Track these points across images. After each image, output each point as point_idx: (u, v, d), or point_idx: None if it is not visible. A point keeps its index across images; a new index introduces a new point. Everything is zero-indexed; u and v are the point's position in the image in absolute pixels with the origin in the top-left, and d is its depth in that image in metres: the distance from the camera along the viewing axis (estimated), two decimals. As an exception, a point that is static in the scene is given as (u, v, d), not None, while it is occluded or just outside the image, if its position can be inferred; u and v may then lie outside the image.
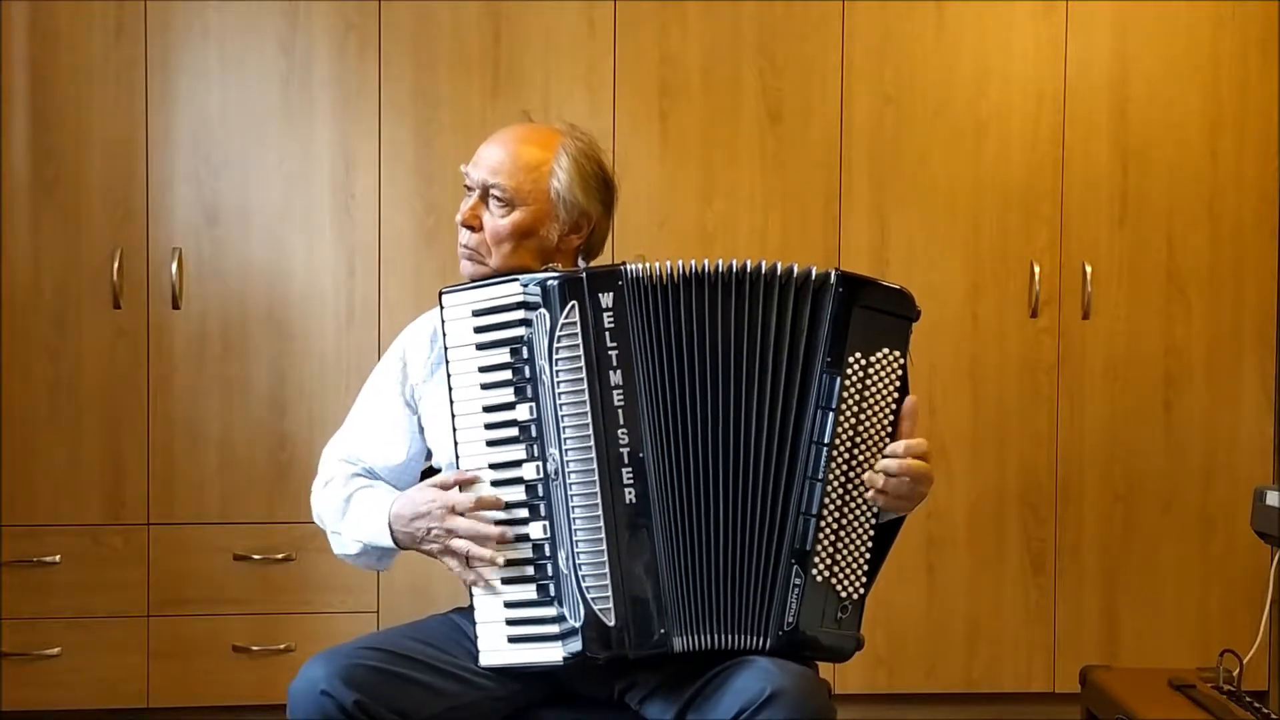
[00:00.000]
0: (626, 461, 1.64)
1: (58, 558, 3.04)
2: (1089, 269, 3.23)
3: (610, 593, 1.63)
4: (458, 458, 1.72)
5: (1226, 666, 2.46)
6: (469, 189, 1.87)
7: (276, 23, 3.10)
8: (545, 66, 3.15)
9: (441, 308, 1.75)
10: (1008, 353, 3.24)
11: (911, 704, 3.26)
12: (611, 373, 1.65)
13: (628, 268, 1.66)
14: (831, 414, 1.66)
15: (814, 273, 1.69)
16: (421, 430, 1.93)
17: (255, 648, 3.08)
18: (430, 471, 1.95)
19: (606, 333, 1.65)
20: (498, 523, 1.68)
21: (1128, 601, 3.26)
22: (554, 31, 3.15)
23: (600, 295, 1.65)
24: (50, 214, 3.06)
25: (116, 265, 3.05)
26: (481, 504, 1.68)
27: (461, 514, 1.69)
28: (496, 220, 1.84)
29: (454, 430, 1.72)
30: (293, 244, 3.13)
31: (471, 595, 1.72)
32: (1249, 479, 3.18)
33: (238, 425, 3.11)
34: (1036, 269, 3.23)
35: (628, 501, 1.64)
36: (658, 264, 1.68)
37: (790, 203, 3.20)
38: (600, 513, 1.63)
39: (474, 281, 1.78)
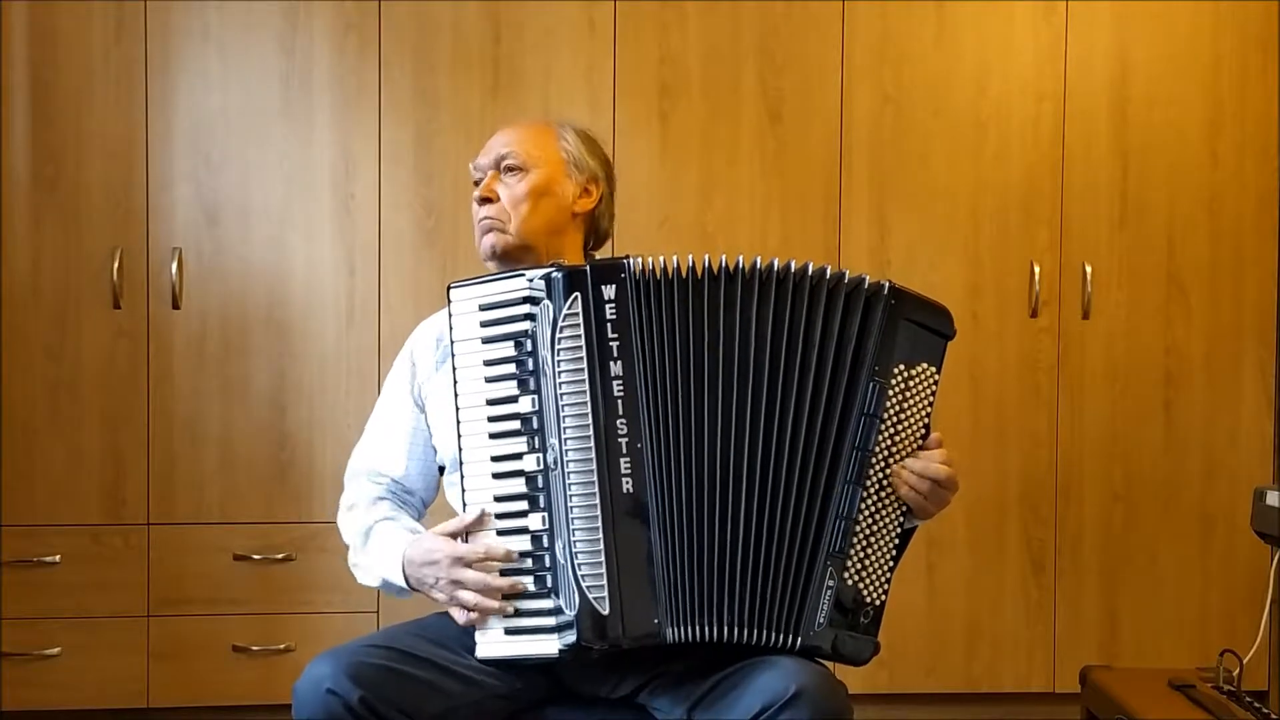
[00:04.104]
0: (625, 451, 1.65)
1: (58, 558, 3.04)
2: (1089, 269, 3.23)
3: (605, 582, 1.63)
4: (460, 451, 1.73)
5: (1226, 666, 2.46)
6: (477, 183, 1.92)
7: (276, 23, 3.10)
8: (545, 66, 3.15)
9: (449, 302, 1.76)
10: (1008, 353, 3.24)
11: (911, 704, 3.26)
12: (612, 363, 1.66)
13: (630, 261, 1.68)
14: (875, 421, 1.68)
15: (867, 280, 1.71)
16: (430, 431, 1.94)
17: (255, 648, 3.08)
18: (443, 470, 1.96)
19: (608, 324, 1.66)
20: (505, 572, 1.69)
21: (1128, 601, 3.26)
22: (554, 31, 3.15)
23: (603, 287, 1.66)
24: (50, 214, 3.06)
25: (116, 265, 3.05)
26: (490, 555, 1.68)
27: (469, 565, 1.69)
28: (514, 187, 1.89)
29: (458, 424, 1.73)
30: (293, 244, 3.13)
31: None
32: (1249, 479, 3.19)
33: (238, 425, 3.11)
34: (1036, 269, 3.23)
35: (625, 491, 1.65)
36: (662, 259, 1.69)
37: (790, 203, 3.20)
38: (597, 502, 1.64)
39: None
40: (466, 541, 1.72)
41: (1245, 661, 2.45)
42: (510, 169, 1.89)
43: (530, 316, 1.68)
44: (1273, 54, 3.26)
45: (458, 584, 1.70)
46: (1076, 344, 3.25)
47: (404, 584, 1.79)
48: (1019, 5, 3.23)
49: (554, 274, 1.67)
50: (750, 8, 3.18)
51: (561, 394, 1.65)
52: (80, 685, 3.04)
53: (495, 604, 1.67)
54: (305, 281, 3.13)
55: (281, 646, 3.08)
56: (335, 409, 3.12)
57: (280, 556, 3.09)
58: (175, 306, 3.08)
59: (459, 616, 1.72)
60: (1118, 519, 3.27)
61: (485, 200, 1.89)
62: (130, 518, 3.08)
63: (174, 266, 3.07)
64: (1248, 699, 2.39)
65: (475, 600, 1.68)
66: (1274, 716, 2.32)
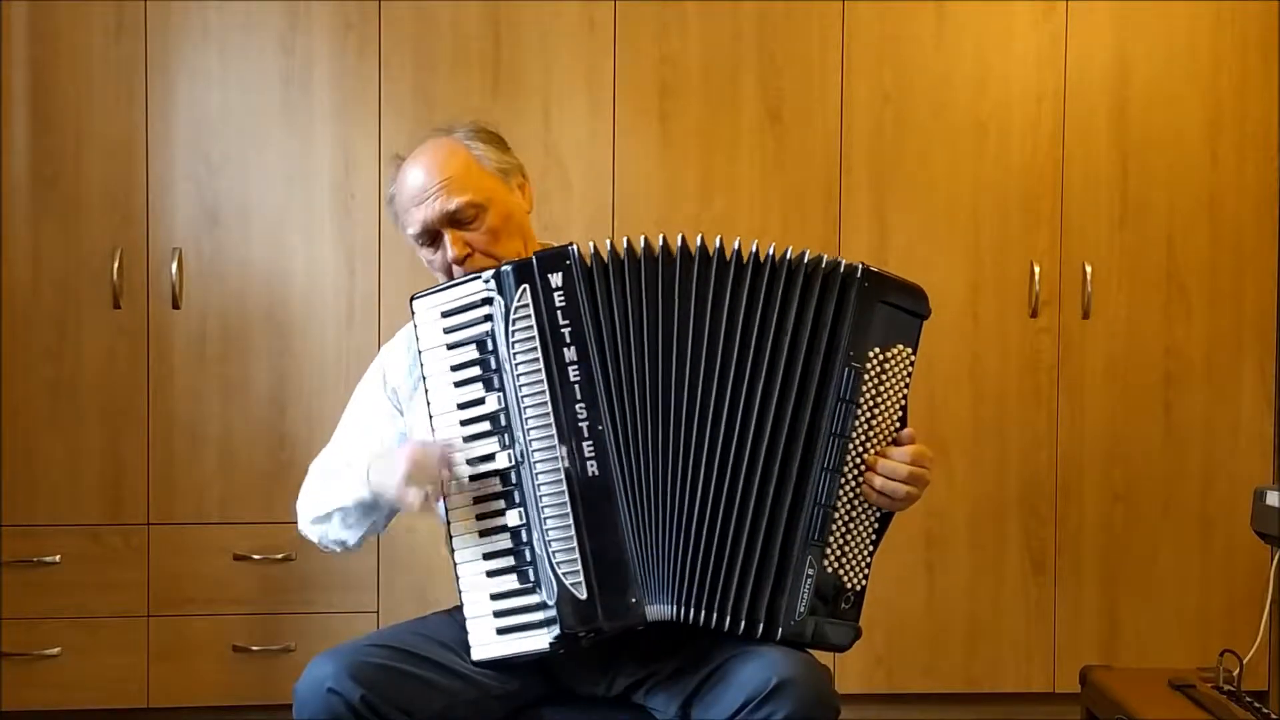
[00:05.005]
0: (587, 435, 1.66)
1: (58, 558, 3.04)
2: (1089, 269, 3.23)
3: (580, 566, 1.65)
4: None
5: (1226, 666, 2.46)
6: (430, 240, 1.85)
7: (276, 23, 3.10)
8: (545, 66, 3.15)
9: (413, 313, 1.77)
10: (1008, 353, 3.24)
11: (911, 704, 3.26)
12: (565, 349, 1.67)
13: (574, 247, 1.69)
14: (852, 407, 1.69)
15: (843, 264, 1.70)
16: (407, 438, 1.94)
17: (255, 648, 3.08)
18: None
19: (558, 311, 1.68)
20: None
21: (1128, 601, 3.26)
22: (554, 31, 3.15)
23: (550, 276, 1.68)
24: (50, 214, 3.06)
25: (116, 265, 3.05)
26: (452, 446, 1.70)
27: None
28: (480, 231, 1.84)
29: (432, 431, 1.74)
30: (293, 244, 3.13)
31: (460, 592, 1.73)
32: (1249, 479, 3.18)
33: (238, 425, 3.11)
34: (1036, 269, 3.23)
35: (590, 475, 1.66)
36: (608, 241, 1.70)
37: (790, 203, 3.20)
38: (564, 488, 1.66)
39: (440, 284, 1.78)
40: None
41: (1245, 661, 2.45)
42: (467, 219, 1.83)
43: (490, 317, 1.70)
44: (1273, 54, 3.26)
45: (418, 461, 1.68)
46: (1076, 344, 3.25)
47: (366, 490, 1.77)
48: (1019, 5, 3.23)
49: (503, 269, 1.70)
50: (750, 8, 3.18)
51: (520, 385, 1.67)
52: (80, 685, 3.04)
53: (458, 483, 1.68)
54: (305, 281, 3.13)
55: (281, 646, 3.08)
56: (335, 409, 3.06)
57: (280, 556, 3.09)
58: (175, 306, 3.08)
59: (412, 498, 1.68)
60: (1118, 519, 3.27)
61: (464, 258, 1.82)
62: (130, 518, 3.07)
63: (174, 266, 3.07)
64: (1248, 699, 2.39)
65: (439, 473, 1.67)
66: (1274, 716, 2.32)
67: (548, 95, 3.15)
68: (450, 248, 1.83)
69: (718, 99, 3.18)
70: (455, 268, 1.85)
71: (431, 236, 1.85)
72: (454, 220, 1.83)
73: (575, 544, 1.65)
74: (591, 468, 1.66)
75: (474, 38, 3.14)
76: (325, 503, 1.87)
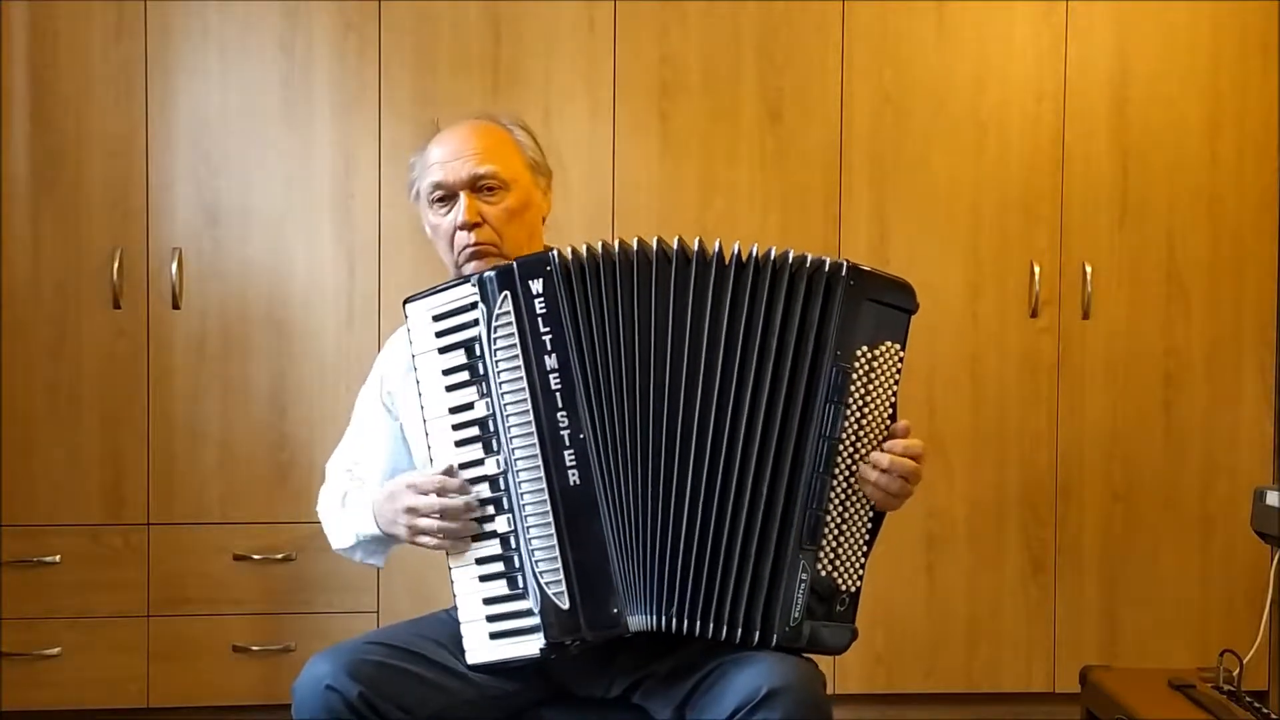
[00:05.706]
0: (568, 444, 1.65)
1: (58, 558, 3.04)
2: (1089, 269, 3.23)
3: (562, 576, 1.64)
4: (432, 462, 1.74)
5: (1226, 666, 2.46)
6: (443, 197, 1.88)
7: (276, 23, 3.11)
8: (545, 66, 3.15)
9: (406, 316, 1.77)
10: (1008, 353, 3.24)
11: (911, 704, 3.26)
12: (547, 357, 1.66)
13: (554, 253, 1.68)
14: (841, 408, 1.67)
15: (828, 262, 1.68)
16: (405, 439, 1.96)
17: (255, 648, 3.08)
18: None
19: (539, 318, 1.66)
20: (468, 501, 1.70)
21: (1128, 601, 3.26)
22: (554, 31, 3.15)
23: (530, 282, 1.67)
24: (50, 214, 3.06)
25: (116, 265, 3.05)
26: (445, 486, 1.70)
27: (424, 493, 1.71)
28: (498, 207, 1.86)
29: (425, 434, 1.74)
30: (293, 244, 3.13)
31: (454, 596, 1.73)
32: (1249, 479, 3.18)
33: (238, 425, 3.11)
34: (1036, 269, 3.23)
35: (572, 484, 1.65)
36: (585, 245, 1.69)
37: (790, 203, 3.20)
38: (546, 496, 1.65)
39: (432, 287, 1.79)
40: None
41: (1245, 661, 2.45)
42: (489, 188, 1.86)
43: (477, 322, 1.69)
44: (1273, 54, 3.26)
45: (413, 511, 1.72)
46: (1076, 344, 3.25)
47: (375, 528, 1.82)
48: (1019, 5, 3.23)
49: (486, 275, 1.69)
50: (750, 8, 3.18)
51: (503, 393, 1.66)
52: (80, 685, 3.04)
53: (457, 525, 1.69)
54: (305, 281, 3.13)
55: (281, 646, 3.08)
56: (335, 409, 3.11)
57: (280, 556, 3.09)
58: (175, 306, 3.08)
59: (428, 543, 1.73)
60: (1118, 519, 3.27)
61: (473, 225, 1.85)
62: (130, 518, 3.08)
63: (174, 266, 3.07)
64: (1248, 699, 2.39)
65: (435, 525, 1.70)
66: (1274, 716, 2.32)
67: (548, 95, 3.15)
68: (463, 212, 1.84)
69: (718, 99, 3.18)
70: (460, 234, 1.85)
71: (447, 195, 1.87)
72: (476, 186, 1.85)
73: (557, 554, 1.64)
74: (573, 477, 1.65)
75: (474, 38, 3.14)
76: (345, 536, 1.91)
